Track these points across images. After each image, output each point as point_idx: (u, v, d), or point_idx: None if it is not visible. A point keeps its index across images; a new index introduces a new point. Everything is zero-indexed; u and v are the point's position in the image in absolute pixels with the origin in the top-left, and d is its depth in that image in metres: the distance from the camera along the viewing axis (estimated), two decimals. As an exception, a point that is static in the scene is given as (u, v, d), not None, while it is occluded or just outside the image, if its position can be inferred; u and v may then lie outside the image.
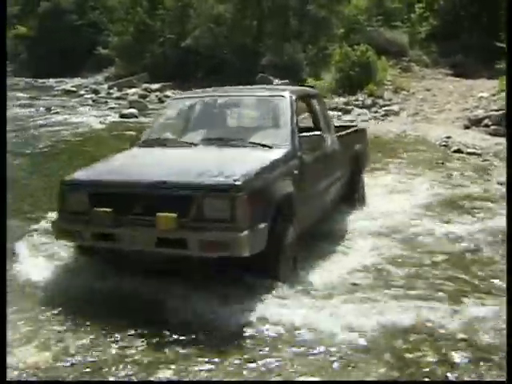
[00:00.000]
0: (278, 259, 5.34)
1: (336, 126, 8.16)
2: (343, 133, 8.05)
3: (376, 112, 18.86)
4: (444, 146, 13.71)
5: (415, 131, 15.80)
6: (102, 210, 5.13)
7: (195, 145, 6.26)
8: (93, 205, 5.22)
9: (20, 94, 26.28)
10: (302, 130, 6.44)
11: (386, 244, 6.70)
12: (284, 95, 6.67)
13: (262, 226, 5.05)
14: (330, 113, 19.47)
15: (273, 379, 4.02)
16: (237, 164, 5.42)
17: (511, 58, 5.51)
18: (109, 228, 5.16)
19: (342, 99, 20.50)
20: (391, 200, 8.63)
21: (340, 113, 18.91)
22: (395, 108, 19.16)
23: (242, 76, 24.20)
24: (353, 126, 9.42)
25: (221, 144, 6.17)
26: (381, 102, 19.89)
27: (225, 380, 4.03)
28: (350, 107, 19.48)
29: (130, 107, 21.40)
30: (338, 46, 24.44)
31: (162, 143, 6.54)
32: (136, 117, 19.50)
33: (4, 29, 1.22)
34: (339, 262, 6.14)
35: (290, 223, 5.64)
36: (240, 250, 4.90)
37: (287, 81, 22.32)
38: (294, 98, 6.62)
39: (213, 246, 4.91)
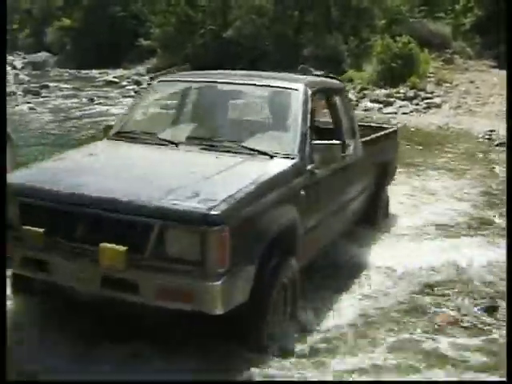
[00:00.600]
0: (264, 319, 3.98)
1: (361, 126, 6.70)
2: (370, 137, 6.56)
3: (418, 104, 18.65)
4: (487, 139, 13.51)
5: (458, 124, 15.60)
6: (32, 228, 3.80)
7: (176, 144, 4.83)
8: (23, 219, 3.90)
9: (64, 85, 26.65)
10: (318, 133, 5.10)
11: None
12: (297, 88, 5.11)
13: (246, 270, 3.74)
14: (371, 105, 19.55)
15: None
16: (220, 180, 4.05)
17: (511, 59, 5.28)
18: (41, 253, 3.81)
19: (384, 91, 20.32)
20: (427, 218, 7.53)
21: (381, 105, 18.75)
22: (437, 100, 18.91)
23: (283, 67, 24.17)
24: (381, 128, 7.69)
25: (208, 146, 4.74)
26: (423, 94, 19.64)
27: (231, 380, 3.71)
28: (391, 99, 19.30)
29: (172, 98, 21.53)
30: (379, 38, 24.20)
31: (135, 138, 5.04)
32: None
33: (4, 29, 1.23)
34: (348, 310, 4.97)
35: (289, 261, 4.31)
36: (209, 304, 3.54)
37: (328, 70, 22.14)
38: (310, 91, 5.10)
39: (171, 295, 3.57)
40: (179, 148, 4.81)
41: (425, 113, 17.70)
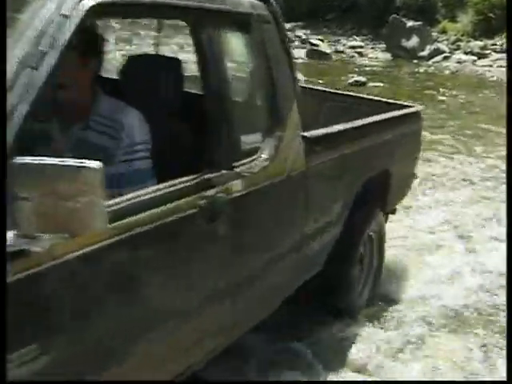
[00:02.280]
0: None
1: (341, 96, 4.68)
2: (353, 124, 3.43)
3: (515, 57, 17.99)
4: None
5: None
6: None
7: None
8: None
9: (153, 33, 26.99)
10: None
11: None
12: None
13: None
14: (464, 57, 19.02)
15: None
16: None
17: (511, 58, 4.87)
18: None
19: (479, 43, 19.65)
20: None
21: (475, 57, 18.18)
22: (536, 53, 18.17)
23: (374, 17, 23.72)
24: (386, 106, 4.30)
25: None
26: (521, 46, 18.92)
27: (226, 380, 3.05)
28: (486, 51, 18.69)
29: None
30: (477, -13, 23.30)
31: None
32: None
33: (4, 28, 1.24)
34: None
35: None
36: None
37: (421, 23, 21.59)
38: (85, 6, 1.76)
39: None
40: None
41: (522, 66, 17.07)
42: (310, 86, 5.10)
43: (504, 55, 18.15)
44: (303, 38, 23.96)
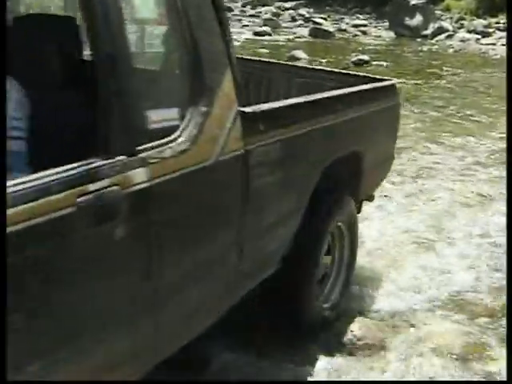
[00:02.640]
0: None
1: (312, 71, 4.19)
2: (310, 98, 2.92)
3: (519, 36, 17.93)
4: None
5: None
6: None
7: None
8: None
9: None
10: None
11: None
12: None
13: None
14: (468, 36, 19.01)
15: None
16: None
17: (511, 59, 4.83)
18: None
19: (482, 21, 19.58)
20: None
21: (479, 36, 18.11)
22: (540, 32, 18.10)
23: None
24: (355, 78, 3.87)
25: None
26: (524, 25, 18.84)
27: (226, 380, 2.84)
28: (490, 30, 18.61)
29: (264, 25, 21.54)
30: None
31: None
32: (270, 35, 19.71)
33: (4, 28, 1.22)
34: None
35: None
36: None
37: (424, 1, 21.46)
38: None
39: None
40: None
41: (525, 45, 17.03)
42: (277, 61, 4.65)
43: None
44: (306, 17, 23.89)
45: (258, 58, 4.51)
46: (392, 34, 20.52)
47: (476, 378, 2.92)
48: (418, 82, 11.78)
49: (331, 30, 20.38)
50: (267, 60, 4.29)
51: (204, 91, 2.18)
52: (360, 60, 14.20)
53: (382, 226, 4.67)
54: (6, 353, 1.34)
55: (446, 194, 5.54)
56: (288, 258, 2.87)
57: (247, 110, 2.37)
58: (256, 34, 19.86)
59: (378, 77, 4.03)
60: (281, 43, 17.93)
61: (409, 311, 3.50)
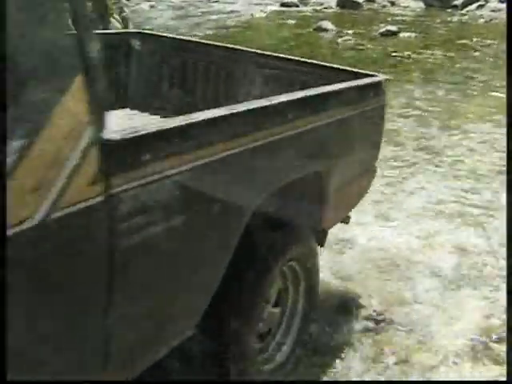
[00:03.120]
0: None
1: (281, 61, 3.55)
2: (236, 109, 2.10)
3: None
4: None
5: None
6: None
7: None
8: None
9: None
10: None
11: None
12: None
13: None
14: (497, 5, 18.49)
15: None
16: None
17: (511, 58, 4.65)
18: None
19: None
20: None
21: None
22: None
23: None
24: (342, 73, 3.24)
25: None
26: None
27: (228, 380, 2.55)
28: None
29: (291, -4, 21.30)
30: None
31: None
32: (297, 6, 19.42)
33: (4, 29, 1.15)
34: None
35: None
36: None
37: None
38: None
39: None
40: None
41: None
42: (244, 48, 3.81)
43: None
44: (334, -13, 23.52)
45: (222, 44, 3.84)
46: (421, 5, 20.11)
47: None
48: (447, 53, 11.55)
49: (359, 0, 20.04)
50: (232, 47, 3.69)
51: (21, 113, 1.39)
52: (388, 31, 13.95)
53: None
54: (5, 353, 1.30)
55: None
56: (210, 314, 2.19)
57: (113, 136, 1.61)
58: (283, 4, 19.60)
59: (361, 71, 3.22)
60: (308, 14, 17.68)
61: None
